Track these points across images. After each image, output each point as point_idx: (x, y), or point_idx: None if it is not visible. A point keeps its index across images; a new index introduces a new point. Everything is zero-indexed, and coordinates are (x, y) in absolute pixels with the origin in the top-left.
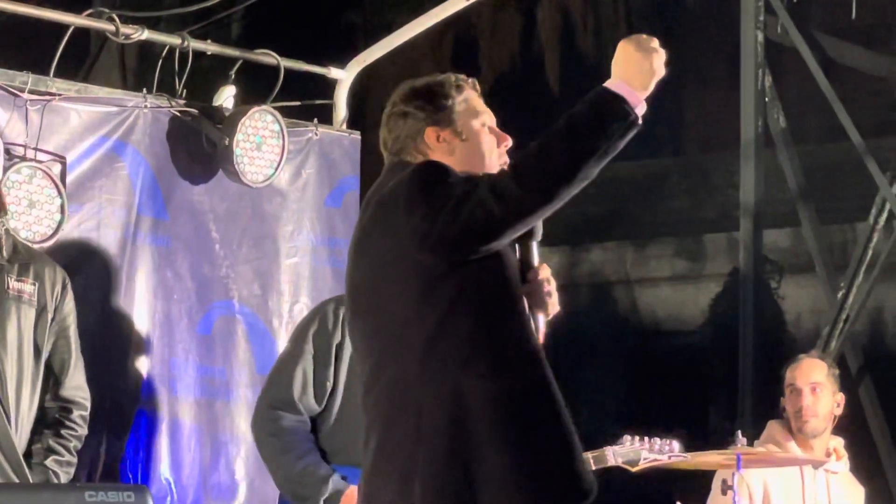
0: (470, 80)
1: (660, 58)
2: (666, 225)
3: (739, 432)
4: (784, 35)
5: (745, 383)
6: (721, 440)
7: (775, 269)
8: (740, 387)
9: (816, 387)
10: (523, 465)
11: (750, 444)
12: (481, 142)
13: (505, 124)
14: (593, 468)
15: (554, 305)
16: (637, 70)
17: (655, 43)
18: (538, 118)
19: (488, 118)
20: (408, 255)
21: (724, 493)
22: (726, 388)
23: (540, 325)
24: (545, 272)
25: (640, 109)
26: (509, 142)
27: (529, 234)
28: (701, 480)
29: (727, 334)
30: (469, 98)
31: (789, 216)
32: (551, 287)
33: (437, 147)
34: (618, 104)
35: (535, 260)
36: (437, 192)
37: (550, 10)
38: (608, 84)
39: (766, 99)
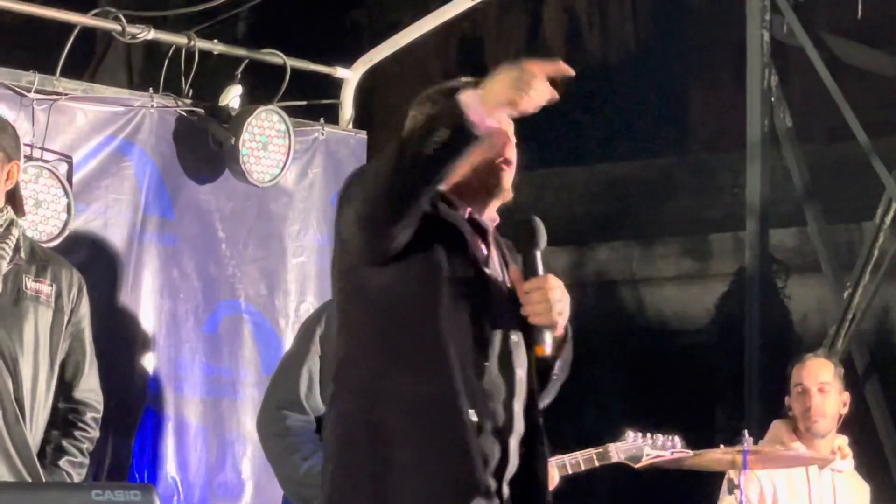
0: (471, 82)
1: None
2: (672, 224)
3: (746, 431)
4: (790, 35)
5: (751, 383)
6: (727, 439)
7: (781, 269)
8: (746, 386)
9: (824, 387)
10: (416, 474)
11: (756, 443)
12: None
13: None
14: (597, 465)
15: (551, 317)
16: (497, 83)
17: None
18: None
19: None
20: (338, 260)
21: (730, 492)
22: (732, 388)
23: (546, 338)
24: (541, 282)
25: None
26: (508, 141)
27: (532, 244)
28: (708, 480)
29: (733, 334)
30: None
31: (795, 215)
32: (552, 298)
33: None
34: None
35: (540, 270)
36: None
37: (556, 10)
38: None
39: (772, 98)
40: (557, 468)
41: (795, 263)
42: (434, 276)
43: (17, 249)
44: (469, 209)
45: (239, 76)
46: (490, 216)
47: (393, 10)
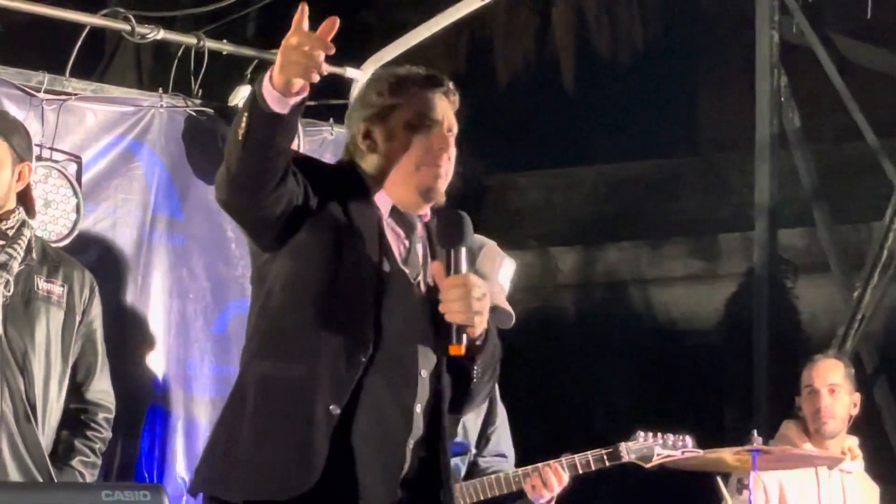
0: (429, 75)
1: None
2: (681, 224)
3: (755, 431)
4: (799, 35)
5: (759, 383)
6: (736, 439)
7: (790, 269)
8: (755, 386)
9: (834, 388)
10: (260, 450)
11: (765, 443)
12: (404, 144)
13: (520, 124)
14: (607, 465)
15: (468, 316)
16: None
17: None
18: (553, 118)
19: (428, 120)
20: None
21: (739, 492)
22: (741, 388)
23: (461, 337)
24: (460, 280)
25: (270, 99)
26: (446, 147)
27: (456, 240)
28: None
29: (742, 334)
30: (413, 96)
31: (804, 216)
32: (471, 296)
33: (365, 144)
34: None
35: (463, 267)
36: None
37: (565, 10)
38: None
39: (781, 99)
40: (568, 468)
41: (804, 263)
42: (321, 268)
43: (28, 250)
44: (393, 203)
45: (248, 76)
46: (421, 212)
47: (402, 10)
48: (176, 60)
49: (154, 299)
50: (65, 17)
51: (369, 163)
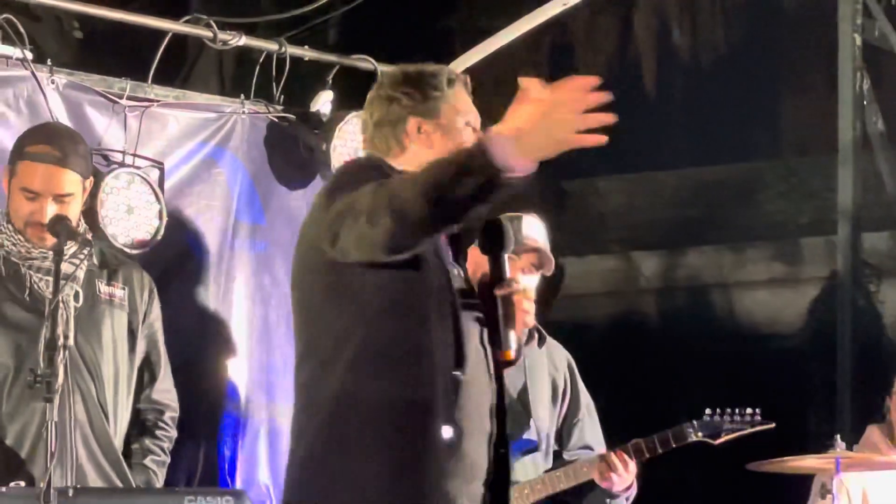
0: (463, 76)
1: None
2: (763, 228)
3: (838, 436)
4: (882, 38)
5: (843, 387)
6: (820, 444)
7: (874, 273)
8: (839, 391)
9: None
10: (382, 473)
11: (849, 448)
12: (463, 141)
13: (601, 127)
14: (674, 446)
15: (521, 320)
16: (537, 129)
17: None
18: (635, 122)
19: (473, 118)
20: (322, 249)
21: (822, 496)
22: (825, 393)
23: (511, 341)
24: (512, 286)
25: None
26: None
27: (499, 246)
28: (800, 484)
29: (825, 338)
30: (458, 94)
31: (888, 219)
32: (520, 301)
33: (417, 138)
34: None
35: (507, 273)
36: (352, 196)
37: (646, 14)
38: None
39: (864, 102)
40: (634, 452)
41: (888, 267)
42: (423, 281)
43: (89, 255)
44: None
45: (330, 82)
46: None
47: (484, 15)
48: (258, 66)
49: (236, 305)
50: (147, 24)
51: (417, 159)
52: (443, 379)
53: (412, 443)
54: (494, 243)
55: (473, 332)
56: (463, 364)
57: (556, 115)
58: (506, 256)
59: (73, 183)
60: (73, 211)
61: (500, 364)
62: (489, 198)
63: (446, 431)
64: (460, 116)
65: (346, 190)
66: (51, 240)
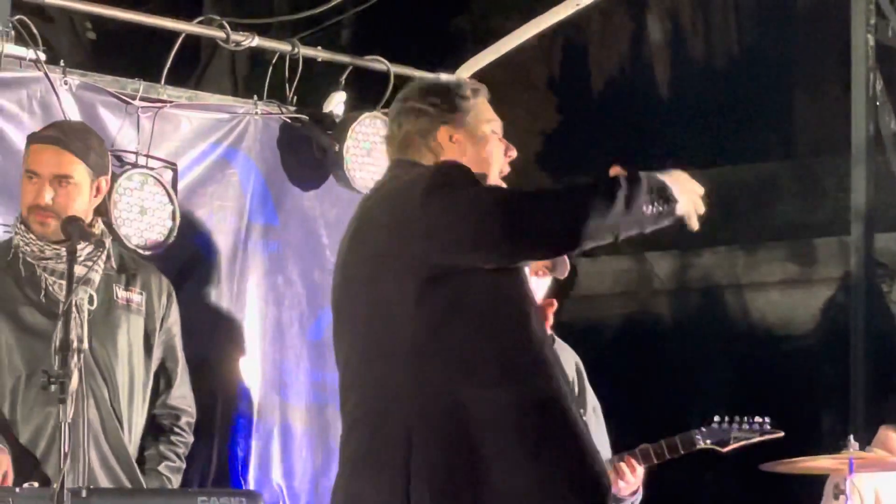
0: (482, 87)
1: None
2: (777, 229)
3: (851, 437)
4: (895, 38)
5: (856, 388)
6: (833, 445)
7: (887, 274)
8: (852, 391)
9: None
10: (539, 484)
11: (862, 448)
12: (491, 148)
13: (615, 129)
14: (682, 453)
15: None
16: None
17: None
18: (648, 122)
19: (497, 126)
20: (413, 251)
21: (836, 497)
22: (838, 393)
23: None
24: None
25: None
26: (514, 153)
27: None
28: (813, 485)
29: (838, 339)
30: (482, 104)
31: None
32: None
33: (449, 147)
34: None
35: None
36: (463, 194)
37: (659, 15)
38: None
39: (878, 103)
40: (641, 457)
41: None
42: (521, 282)
43: (107, 258)
44: None
45: (343, 83)
46: None
47: (496, 16)
48: (271, 67)
49: (249, 306)
50: (160, 25)
51: None
52: (553, 374)
53: (558, 442)
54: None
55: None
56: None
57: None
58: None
59: (73, 167)
60: (77, 201)
61: None
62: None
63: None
64: (487, 125)
65: (454, 190)
66: (52, 227)
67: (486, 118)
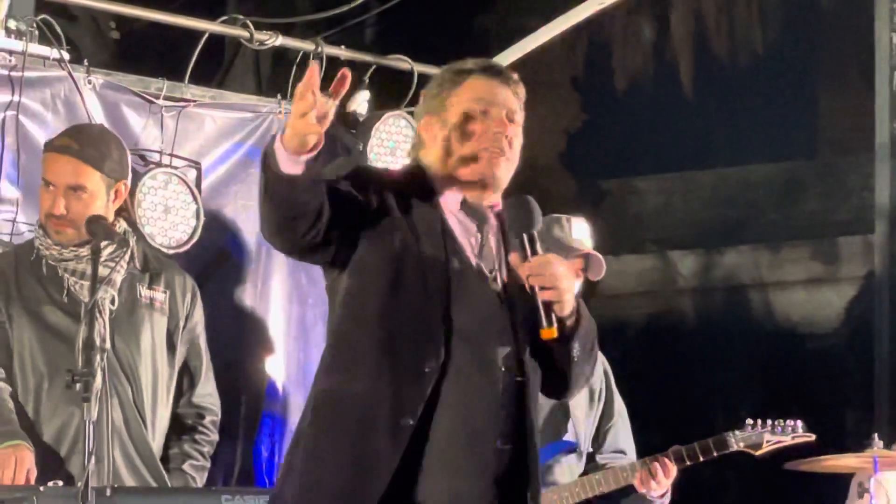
0: (492, 66)
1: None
2: (800, 228)
3: (876, 435)
4: None
5: (881, 387)
6: (858, 443)
7: None
8: (876, 390)
9: None
10: (314, 467)
11: (887, 447)
12: (464, 131)
13: (638, 127)
14: (715, 455)
15: (559, 293)
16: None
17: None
18: (673, 121)
19: (487, 105)
20: None
21: (860, 496)
22: (862, 392)
23: (552, 319)
24: (545, 259)
25: (287, 166)
26: (502, 129)
27: (527, 225)
28: (838, 483)
29: (863, 337)
30: (470, 84)
31: None
32: (556, 273)
33: (426, 136)
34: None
35: (539, 249)
36: None
37: (683, 14)
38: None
39: None
40: (675, 459)
41: None
42: (383, 279)
43: (131, 258)
44: (464, 195)
45: (366, 82)
46: (490, 202)
47: (520, 15)
48: (294, 66)
49: (273, 305)
50: (184, 25)
51: (432, 156)
52: (402, 371)
53: (346, 435)
54: (521, 222)
55: (496, 323)
56: (437, 356)
57: (300, 108)
58: (535, 234)
59: (87, 177)
60: (92, 209)
61: (542, 345)
62: (275, 190)
63: (405, 421)
64: (465, 106)
65: None
66: (69, 235)
67: (462, 101)
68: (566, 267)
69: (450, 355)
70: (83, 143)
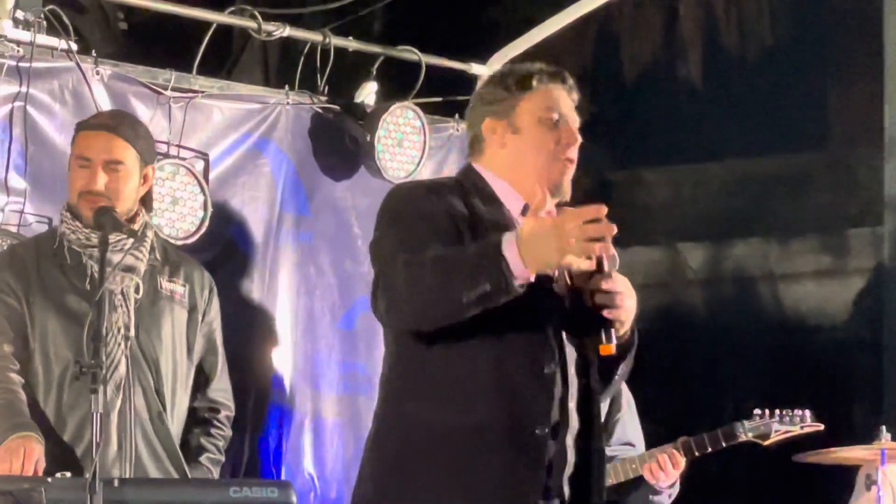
0: (558, 73)
1: (571, 243)
2: (809, 220)
3: (884, 427)
4: None
5: (889, 379)
6: (865, 435)
7: None
8: (885, 382)
9: None
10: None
11: (894, 439)
12: (531, 141)
13: (647, 119)
14: (724, 445)
15: (623, 313)
16: (541, 244)
17: (584, 219)
18: (681, 113)
19: (556, 115)
20: None
21: (867, 488)
22: (870, 384)
23: (612, 336)
24: (616, 280)
25: (521, 280)
26: (574, 141)
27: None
28: (846, 475)
29: (871, 329)
30: (539, 92)
31: None
32: (626, 294)
33: (491, 140)
34: (497, 267)
35: (605, 265)
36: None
37: (692, 5)
38: (506, 239)
39: None
40: (684, 450)
41: None
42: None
43: (151, 250)
44: (525, 202)
45: (374, 73)
46: (548, 208)
47: (528, 5)
48: (302, 57)
49: (281, 296)
50: (191, 15)
51: (495, 160)
52: (517, 386)
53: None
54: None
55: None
56: (544, 358)
57: (566, 225)
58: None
59: (125, 152)
60: (128, 187)
61: (601, 360)
62: (494, 301)
63: (539, 431)
64: (530, 115)
65: (394, 227)
66: None
67: (538, 107)
68: (632, 290)
69: (563, 353)
70: (118, 121)
